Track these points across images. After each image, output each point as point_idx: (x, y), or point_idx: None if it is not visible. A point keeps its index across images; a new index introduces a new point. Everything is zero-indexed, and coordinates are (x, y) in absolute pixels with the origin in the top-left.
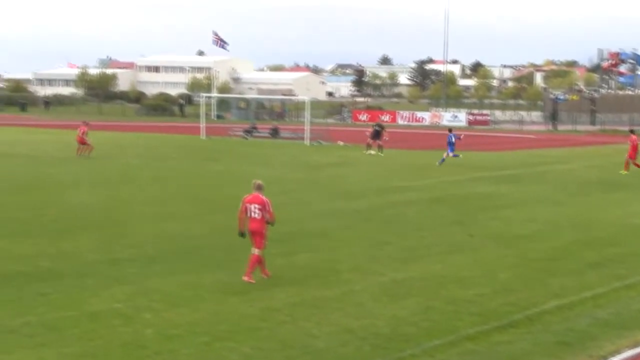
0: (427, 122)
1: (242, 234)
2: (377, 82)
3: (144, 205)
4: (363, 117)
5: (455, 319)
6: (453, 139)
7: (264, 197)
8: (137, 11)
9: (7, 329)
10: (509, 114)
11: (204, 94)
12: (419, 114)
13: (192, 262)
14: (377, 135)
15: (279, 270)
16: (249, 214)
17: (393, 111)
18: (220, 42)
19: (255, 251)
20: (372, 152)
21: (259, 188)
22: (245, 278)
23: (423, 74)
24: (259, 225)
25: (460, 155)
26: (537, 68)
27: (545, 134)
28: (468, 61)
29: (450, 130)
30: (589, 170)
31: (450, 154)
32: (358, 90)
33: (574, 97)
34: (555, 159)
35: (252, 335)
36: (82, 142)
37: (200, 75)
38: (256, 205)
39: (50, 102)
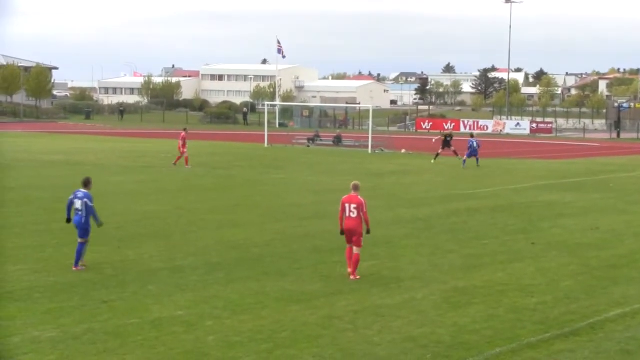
0: (490, 130)
1: (342, 233)
2: (441, 90)
3: (207, 213)
4: (426, 125)
5: (517, 327)
6: (474, 144)
7: (360, 197)
8: (204, 21)
9: (71, 336)
10: (572, 122)
11: (268, 103)
12: (482, 122)
13: (254, 270)
14: (447, 144)
15: (341, 278)
16: (346, 213)
17: (456, 119)
18: (281, 50)
19: (356, 250)
20: (462, 158)
21: (356, 188)
22: (352, 277)
23: (486, 82)
24: (355, 224)
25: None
26: (602, 76)
27: (609, 142)
28: (532, 69)
29: (472, 135)
30: None
31: (465, 157)
32: (421, 99)
33: (638, 105)
34: (619, 167)
35: (314, 343)
36: (181, 151)
37: (264, 84)
38: (353, 205)
39: (124, 111)
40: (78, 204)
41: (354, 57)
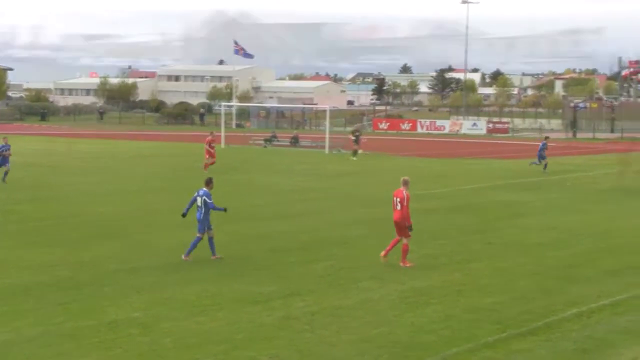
0: (446, 131)
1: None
2: (398, 90)
3: (163, 214)
4: (383, 125)
5: (474, 327)
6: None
7: (404, 192)
8: (160, 21)
9: (26, 339)
10: (528, 122)
11: (224, 103)
12: (439, 122)
13: (211, 271)
14: (356, 140)
15: (298, 279)
16: (394, 206)
17: (413, 119)
18: (243, 51)
19: (404, 240)
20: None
21: (405, 183)
22: (401, 264)
23: (443, 83)
24: (399, 216)
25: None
26: (557, 76)
27: (565, 141)
28: (488, 70)
29: (546, 138)
30: (608, 177)
31: (537, 163)
32: (378, 99)
33: (594, 105)
34: (575, 167)
35: (271, 344)
36: (210, 154)
37: (220, 85)
38: (398, 199)
39: (104, 112)
40: (199, 201)
41: (311, 58)
